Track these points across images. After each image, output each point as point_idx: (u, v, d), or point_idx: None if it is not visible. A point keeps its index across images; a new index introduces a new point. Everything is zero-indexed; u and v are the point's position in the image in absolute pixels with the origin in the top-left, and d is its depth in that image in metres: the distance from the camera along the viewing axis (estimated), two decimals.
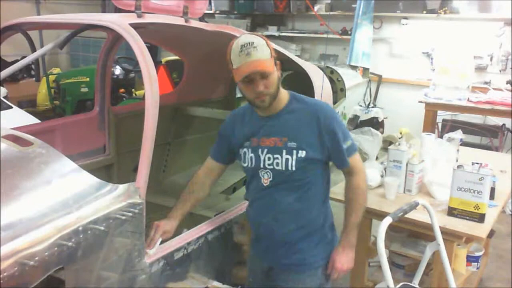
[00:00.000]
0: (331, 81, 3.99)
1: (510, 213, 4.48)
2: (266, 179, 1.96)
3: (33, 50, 2.36)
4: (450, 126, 5.39)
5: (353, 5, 5.97)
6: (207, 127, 3.86)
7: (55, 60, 8.27)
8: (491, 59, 5.58)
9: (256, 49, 1.80)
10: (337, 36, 6.50)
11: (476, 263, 2.97)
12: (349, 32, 6.22)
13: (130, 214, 1.69)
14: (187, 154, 3.75)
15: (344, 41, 6.35)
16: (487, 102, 4.82)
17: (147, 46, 1.95)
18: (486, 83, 5.51)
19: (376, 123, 5.05)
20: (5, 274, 1.29)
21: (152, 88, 1.83)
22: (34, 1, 7.86)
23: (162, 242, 1.94)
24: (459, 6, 5.75)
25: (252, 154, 1.98)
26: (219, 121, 4.15)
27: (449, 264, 2.17)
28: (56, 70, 7.22)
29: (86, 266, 1.57)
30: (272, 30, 7.25)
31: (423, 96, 5.18)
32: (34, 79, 6.85)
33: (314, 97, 3.12)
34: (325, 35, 6.68)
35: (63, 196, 1.55)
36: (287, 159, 1.91)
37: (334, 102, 3.82)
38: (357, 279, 2.66)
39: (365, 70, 5.74)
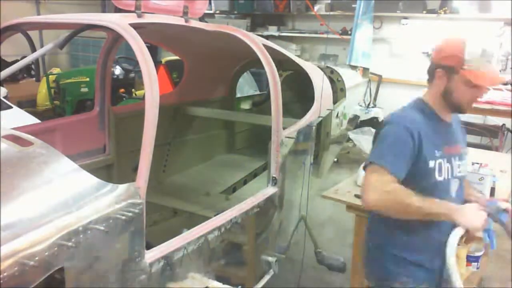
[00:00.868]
0: (331, 81, 3.98)
1: None
2: (453, 189, 1.93)
3: (33, 50, 2.36)
4: None
5: (353, 5, 5.98)
6: (207, 127, 3.86)
7: (55, 60, 8.28)
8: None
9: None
10: (337, 36, 6.51)
11: (476, 263, 2.96)
12: (349, 32, 6.23)
13: (130, 214, 1.68)
14: (187, 154, 3.75)
15: (344, 41, 6.36)
16: (487, 102, 4.81)
17: (147, 46, 1.95)
18: None
19: (376, 123, 5.05)
20: (5, 274, 1.29)
21: (152, 88, 1.82)
22: (34, 1, 7.87)
23: None
24: (459, 6, 5.76)
25: (448, 165, 1.91)
26: (219, 121, 4.20)
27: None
28: (56, 70, 7.22)
29: (86, 266, 1.57)
30: (272, 30, 7.25)
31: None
32: (34, 79, 6.88)
33: (314, 97, 3.12)
34: (325, 35, 6.69)
35: (63, 196, 1.55)
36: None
37: (334, 102, 3.82)
38: (357, 279, 2.66)
39: (365, 70, 5.73)
